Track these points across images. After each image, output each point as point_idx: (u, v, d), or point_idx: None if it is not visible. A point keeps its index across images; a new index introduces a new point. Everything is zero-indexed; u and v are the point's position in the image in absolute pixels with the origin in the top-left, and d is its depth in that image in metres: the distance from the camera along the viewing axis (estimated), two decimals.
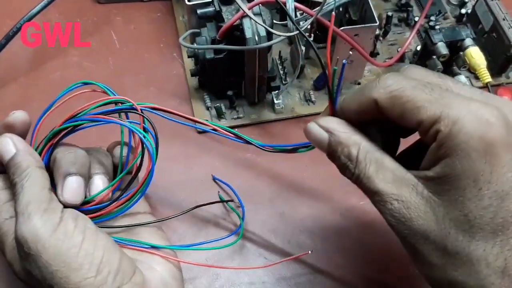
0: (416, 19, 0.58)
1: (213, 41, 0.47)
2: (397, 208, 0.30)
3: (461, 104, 0.28)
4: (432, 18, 0.58)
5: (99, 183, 0.38)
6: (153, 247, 0.39)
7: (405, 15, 0.60)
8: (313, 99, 0.54)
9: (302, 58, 0.50)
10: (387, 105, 0.30)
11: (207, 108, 0.53)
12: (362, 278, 0.45)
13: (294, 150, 0.39)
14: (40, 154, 0.38)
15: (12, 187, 0.36)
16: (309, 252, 0.44)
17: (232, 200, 0.47)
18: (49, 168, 0.38)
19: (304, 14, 0.45)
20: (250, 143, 0.40)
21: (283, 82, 0.54)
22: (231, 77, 0.51)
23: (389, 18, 0.57)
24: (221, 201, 0.47)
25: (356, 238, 0.47)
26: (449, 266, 0.29)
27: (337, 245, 0.47)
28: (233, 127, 0.52)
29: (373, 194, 0.31)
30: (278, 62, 0.55)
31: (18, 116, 0.37)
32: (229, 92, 0.51)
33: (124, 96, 0.51)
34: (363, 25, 0.47)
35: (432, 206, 0.29)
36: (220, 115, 0.52)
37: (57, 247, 0.33)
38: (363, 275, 0.45)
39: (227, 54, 0.47)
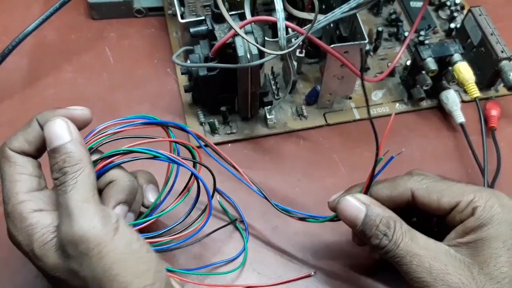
0: (406, 33, 0.59)
1: (206, 59, 0.48)
2: (435, 266, 0.36)
3: (484, 190, 0.38)
4: (422, 32, 0.59)
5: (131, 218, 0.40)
6: (169, 270, 0.39)
7: (395, 29, 0.61)
8: (305, 114, 0.54)
9: (294, 74, 0.51)
10: (423, 194, 0.39)
11: (201, 124, 0.53)
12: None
13: (303, 219, 0.44)
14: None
15: (60, 176, 0.34)
16: (312, 273, 0.46)
17: (242, 221, 0.48)
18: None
19: (295, 31, 0.46)
20: (267, 200, 0.44)
21: (276, 97, 0.55)
22: (224, 93, 0.51)
23: (379, 33, 0.58)
24: (231, 221, 0.48)
25: (346, 250, 0.48)
26: None
27: (328, 258, 0.47)
28: (226, 142, 0.53)
29: (410, 257, 0.36)
30: (271, 77, 0.56)
31: (79, 110, 0.36)
32: (223, 108, 0.52)
33: (118, 111, 0.53)
34: (352, 43, 0.47)
35: (466, 265, 0.36)
36: (213, 130, 0.53)
37: (118, 251, 0.32)
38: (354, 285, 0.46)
39: (220, 71, 0.48)
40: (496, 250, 0.36)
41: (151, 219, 0.41)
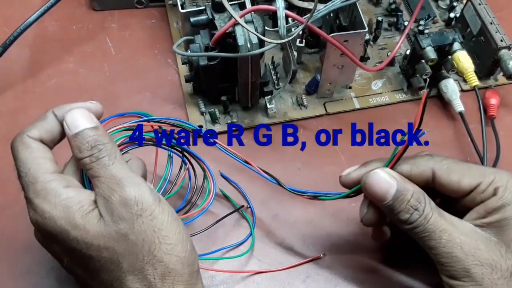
0: (406, 23, 0.59)
1: (207, 48, 0.48)
2: (466, 242, 0.36)
3: (503, 172, 0.39)
4: (422, 22, 0.59)
5: None
6: None
7: (395, 19, 0.61)
8: (305, 103, 0.55)
9: (294, 64, 0.51)
10: (443, 174, 0.39)
11: (202, 113, 0.54)
12: (353, 274, 0.46)
13: (315, 197, 0.43)
14: None
15: (95, 152, 0.35)
16: (321, 255, 0.46)
17: (249, 207, 0.49)
18: None
19: (295, 21, 0.46)
20: (281, 186, 0.44)
21: (276, 87, 0.55)
22: (225, 83, 0.52)
23: (379, 23, 0.58)
24: (239, 207, 0.48)
25: (346, 237, 0.48)
26: None
27: (331, 243, 0.48)
28: (227, 132, 0.53)
29: (440, 232, 0.37)
30: (271, 67, 0.56)
31: (98, 106, 0.38)
32: (223, 97, 0.52)
33: (119, 101, 0.53)
34: (352, 32, 0.48)
35: (494, 243, 0.37)
36: (214, 120, 0.53)
37: (165, 215, 0.35)
38: (353, 273, 0.46)
39: (221, 61, 0.48)
40: None
41: None
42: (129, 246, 0.34)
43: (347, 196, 0.41)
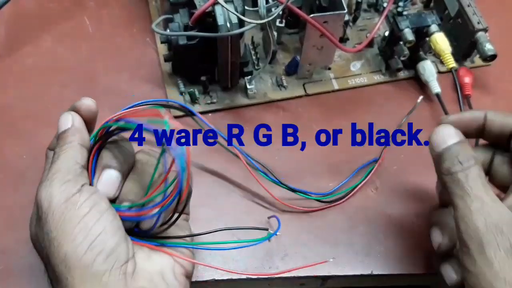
0: (385, 4, 0.60)
1: (186, 27, 0.48)
2: (492, 217, 0.35)
3: None
4: (400, 3, 0.59)
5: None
6: (162, 244, 0.38)
7: (374, 0, 0.61)
8: (285, 84, 0.55)
9: (274, 44, 0.51)
10: (495, 117, 0.40)
11: (181, 93, 0.54)
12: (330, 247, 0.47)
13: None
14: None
15: (54, 150, 0.38)
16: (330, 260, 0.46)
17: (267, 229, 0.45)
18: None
19: (275, 1, 0.46)
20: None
21: (256, 67, 0.55)
22: (204, 63, 0.51)
23: (358, 4, 0.59)
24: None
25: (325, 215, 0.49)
26: None
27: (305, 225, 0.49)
28: (206, 112, 0.53)
29: (474, 197, 0.36)
30: (251, 47, 0.56)
31: (84, 102, 0.40)
32: (203, 78, 0.52)
33: (97, 81, 0.52)
34: (331, 13, 0.48)
35: None
36: (193, 100, 0.53)
37: (62, 214, 0.34)
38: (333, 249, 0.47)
39: (200, 40, 0.48)
40: None
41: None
42: (40, 248, 0.36)
43: None
